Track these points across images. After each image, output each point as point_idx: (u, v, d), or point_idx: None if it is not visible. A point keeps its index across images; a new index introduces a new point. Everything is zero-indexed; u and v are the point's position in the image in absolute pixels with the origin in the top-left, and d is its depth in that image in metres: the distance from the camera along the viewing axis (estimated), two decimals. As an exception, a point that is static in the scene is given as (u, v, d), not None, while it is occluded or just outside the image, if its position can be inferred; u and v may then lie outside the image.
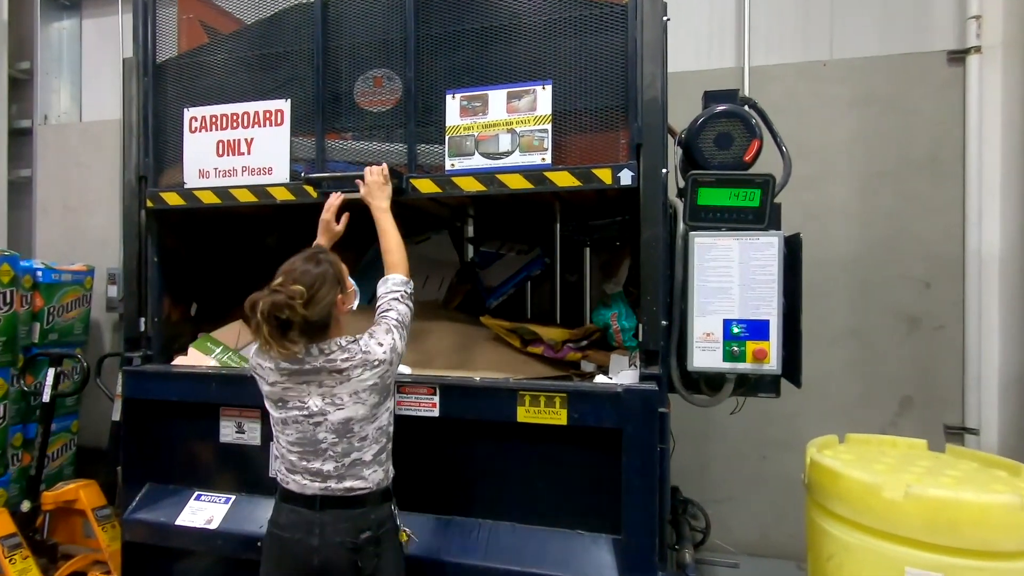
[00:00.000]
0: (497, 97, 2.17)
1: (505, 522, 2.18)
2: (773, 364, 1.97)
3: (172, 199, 2.53)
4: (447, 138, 2.22)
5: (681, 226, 2.11)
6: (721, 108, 2.21)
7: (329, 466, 1.73)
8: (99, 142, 4.68)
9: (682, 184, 2.41)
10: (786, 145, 2.35)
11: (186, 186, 2.53)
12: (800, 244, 2.03)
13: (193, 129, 2.53)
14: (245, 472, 2.47)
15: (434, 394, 2.17)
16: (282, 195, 2.39)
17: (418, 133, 2.28)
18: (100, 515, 3.04)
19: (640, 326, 2.05)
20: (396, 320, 1.83)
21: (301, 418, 1.73)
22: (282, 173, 2.41)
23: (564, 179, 2.08)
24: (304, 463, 1.74)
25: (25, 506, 2.99)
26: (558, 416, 2.05)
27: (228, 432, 2.50)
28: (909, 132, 3.34)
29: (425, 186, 2.23)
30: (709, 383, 2.16)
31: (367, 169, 2.13)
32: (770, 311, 1.96)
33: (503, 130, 2.15)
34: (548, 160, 2.11)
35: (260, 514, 2.40)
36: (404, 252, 2.00)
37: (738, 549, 3.48)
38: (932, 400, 3.31)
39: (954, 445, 2.37)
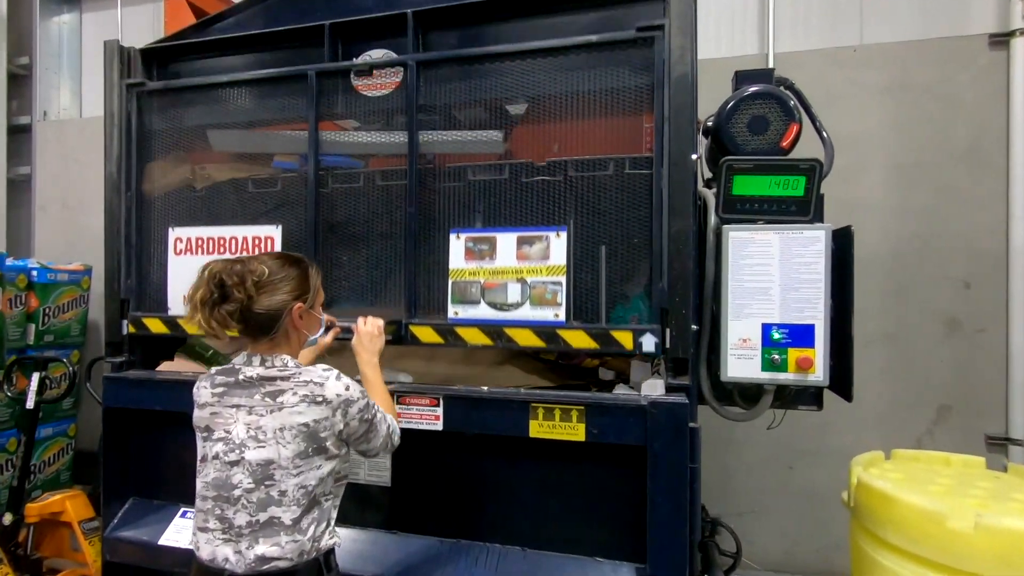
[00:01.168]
0: (506, 241, 1.93)
1: (515, 547, 1.93)
2: (819, 374, 1.71)
3: (155, 326, 2.31)
4: (450, 282, 1.98)
5: (712, 219, 1.85)
6: (755, 89, 1.95)
7: (242, 519, 1.39)
8: (100, 138, 4.45)
9: (708, 175, 2.17)
10: (827, 130, 2.08)
11: (170, 312, 2.31)
12: (851, 238, 1.76)
13: (178, 251, 2.32)
14: (234, 487, 2.24)
15: (437, 405, 1.93)
16: None
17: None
18: (87, 528, 2.82)
19: (666, 331, 1.79)
20: (378, 413, 1.53)
21: (222, 453, 1.43)
22: None
23: (579, 339, 1.85)
24: (218, 511, 1.43)
25: (7, 519, 2.77)
26: (575, 431, 1.80)
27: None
28: (948, 121, 3.06)
29: (426, 335, 2.00)
30: (744, 395, 1.90)
31: (360, 319, 1.83)
32: (816, 314, 1.70)
33: (512, 279, 1.92)
34: (562, 317, 1.87)
35: (249, 534, 2.17)
36: (394, 409, 1.71)
37: (762, 565, 3.22)
38: (972, 408, 3.03)
39: (1015, 464, 2.09)
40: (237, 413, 1.44)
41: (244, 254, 1.44)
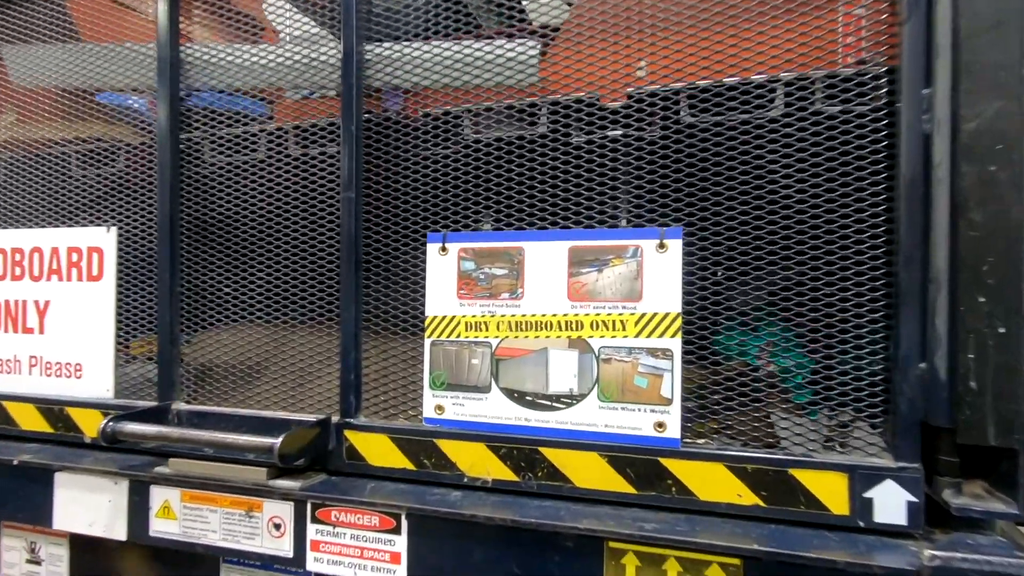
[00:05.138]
0: (546, 257, 0.85)
1: None
2: None
3: None
4: (427, 344, 0.90)
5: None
6: None
7: None
8: None
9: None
10: None
11: None
12: None
13: None
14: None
15: (395, 531, 0.82)
16: (95, 427, 1.05)
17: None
18: None
19: (934, 475, 0.70)
20: None
21: None
22: (101, 379, 1.12)
23: (713, 481, 0.76)
24: None
25: None
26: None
27: (14, 560, 1.19)
28: None
29: (378, 452, 0.90)
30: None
31: None
32: None
33: (558, 338, 0.85)
34: (673, 430, 0.78)
35: None
36: None
37: None
38: None
39: None
40: None
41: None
